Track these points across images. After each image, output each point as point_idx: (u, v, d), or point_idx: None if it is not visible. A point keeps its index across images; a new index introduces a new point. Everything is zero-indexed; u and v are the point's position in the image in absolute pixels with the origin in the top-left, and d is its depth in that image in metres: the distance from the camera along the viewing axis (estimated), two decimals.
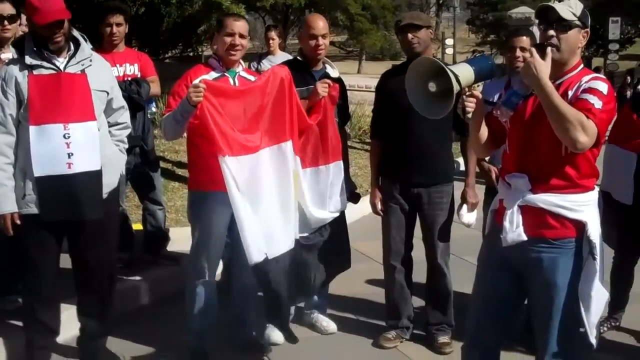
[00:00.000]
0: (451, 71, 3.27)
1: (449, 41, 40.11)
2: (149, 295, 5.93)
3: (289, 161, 4.55)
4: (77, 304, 4.58)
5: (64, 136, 4.05)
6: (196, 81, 4.34)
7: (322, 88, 4.80)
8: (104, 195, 4.30)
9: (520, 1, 38.67)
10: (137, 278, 6.02)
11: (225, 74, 4.72)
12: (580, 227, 3.42)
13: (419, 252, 5.23)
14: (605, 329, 5.47)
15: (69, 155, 4.07)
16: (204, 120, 4.18)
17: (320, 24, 5.04)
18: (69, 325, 4.73)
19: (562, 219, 3.42)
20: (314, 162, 4.84)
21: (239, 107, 4.39)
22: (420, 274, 5.30)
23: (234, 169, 4.21)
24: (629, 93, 17.58)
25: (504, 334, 3.79)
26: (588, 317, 3.47)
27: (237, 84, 4.73)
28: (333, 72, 5.18)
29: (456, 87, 3.28)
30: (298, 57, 5.26)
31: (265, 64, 9.09)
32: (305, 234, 4.75)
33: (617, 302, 5.49)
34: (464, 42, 57.53)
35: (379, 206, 5.18)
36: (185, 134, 4.66)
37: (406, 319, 5.26)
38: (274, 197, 4.48)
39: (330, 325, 5.41)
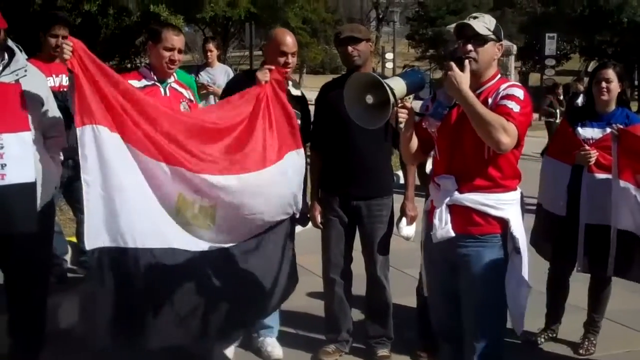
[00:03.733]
0: (387, 84, 3.40)
1: (389, 55, 40.52)
2: (83, 311, 5.79)
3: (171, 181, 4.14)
4: (8, 321, 4.43)
5: None
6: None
7: (262, 74, 4.65)
8: (38, 208, 4.19)
9: (459, 17, 39.30)
10: (71, 293, 5.89)
11: (156, 83, 4.67)
12: (503, 224, 3.68)
13: (358, 265, 5.22)
14: (542, 340, 5.54)
15: (2, 166, 3.96)
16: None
17: (290, 40, 4.91)
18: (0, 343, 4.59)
19: (486, 216, 3.67)
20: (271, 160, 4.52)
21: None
22: (359, 287, 5.29)
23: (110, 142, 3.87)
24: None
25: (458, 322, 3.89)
26: (515, 309, 3.76)
27: (168, 94, 4.69)
28: (295, 91, 5.10)
29: (392, 99, 3.39)
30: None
31: (204, 76, 9.07)
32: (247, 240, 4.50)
33: (554, 314, 5.57)
34: (404, 57, 58.01)
35: (319, 219, 5.15)
36: None
37: (345, 333, 5.24)
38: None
39: (275, 350, 5.22)
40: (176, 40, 4.60)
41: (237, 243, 4.47)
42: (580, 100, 17.54)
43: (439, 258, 3.87)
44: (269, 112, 4.59)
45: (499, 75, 3.80)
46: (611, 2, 42.65)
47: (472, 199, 3.66)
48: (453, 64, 3.52)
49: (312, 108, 5.17)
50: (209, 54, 9.30)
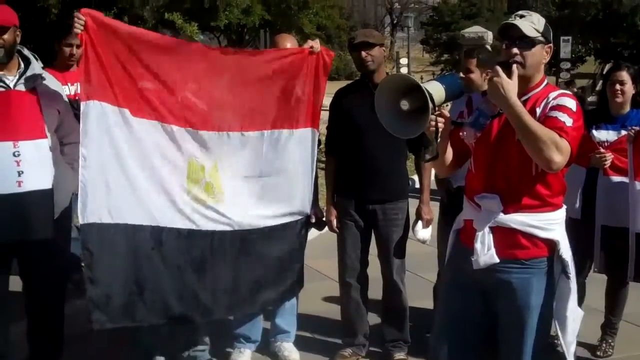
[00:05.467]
0: (426, 89, 3.09)
1: (404, 60, 40.36)
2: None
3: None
4: (27, 327, 4.46)
5: (14, 154, 3.99)
6: None
7: (313, 42, 4.73)
8: (56, 215, 4.23)
9: (473, 21, 39.24)
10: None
11: None
12: (552, 245, 3.38)
13: (374, 269, 5.23)
14: (559, 342, 5.51)
15: (19, 173, 4.01)
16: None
17: (287, 45, 4.96)
18: (20, 349, 4.60)
19: (534, 238, 3.35)
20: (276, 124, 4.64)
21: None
22: (375, 291, 5.29)
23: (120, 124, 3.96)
24: None
25: (474, 355, 3.66)
26: (565, 337, 3.47)
27: None
28: None
29: (431, 106, 3.09)
30: None
31: None
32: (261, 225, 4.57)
33: None
34: (419, 62, 58.03)
35: (335, 223, 5.16)
36: None
37: (362, 337, 5.24)
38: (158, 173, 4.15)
39: (292, 354, 5.24)
40: None
41: (242, 229, 4.48)
42: None
43: (469, 285, 3.51)
44: (307, 79, 4.68)
45: (546, 81, 3.44)
46: (625, 5, 42.53)
47: (519, 220, 3.32)
48: (499, 69, 3.17)
49: (327, 114, 5.17)
50: None
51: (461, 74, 4.92)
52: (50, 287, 4.38)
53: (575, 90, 19.16)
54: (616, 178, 5.03)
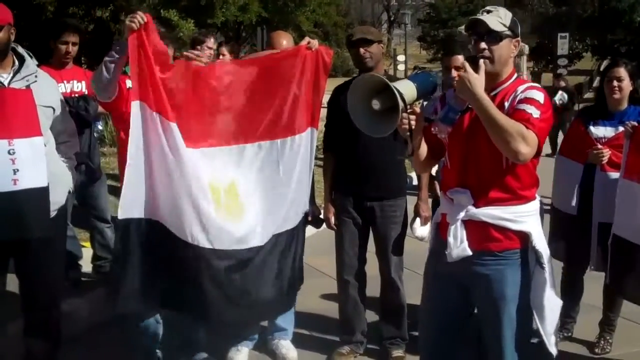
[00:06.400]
0: (395, 88, 3.14)
1: (401, 57, 40.38)
2: (97, 316, 5.80)
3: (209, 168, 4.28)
4: (24, 326, 4.43)
5: (9, 152, 3.95)
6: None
7: (310, 39, 4.67)
8: (52, 213, 4.21)
9: (470, 18, 39.28)
10: (86, 298, 5.90)
11: None
12: (524, 237, 3.42)
13: (372, 266, 5.22)
14: (557, 339, 5.50)
15: (15, 171, 3.97)
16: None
17: (283, 42, 4.96)
18: (15, 348, 4.60)
19: (505, 231, 3.41)
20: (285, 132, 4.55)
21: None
22: (373, 288, 5.28)
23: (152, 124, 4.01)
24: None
25: (459, 346, 3.73)
26: (544, 327, 3.49)
27: None
28: None
29: (401, 105, 3.14)
30: None
31: None
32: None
33: (569, 313, 5.53)
34: (416, 59, 58.09)
35: (333, 220, 5.15)
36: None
37: (360, 334, 5.24)
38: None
39: (289, 352, 5.22)
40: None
41: (254, 246, 4.38)
42: (558, 97, 17.58)
43: (448, 276, 3.58)
44: (306, 80, 4.60)
45: (516, 75, 3.49)
46: (623, 2, 42.59)
47: (490, 213, 3.39)
48: (466, 64, 3.25)
49: (324, 111, 5.16)
50: (221, 57, 9.31)
51: (454, 73, 4.91)
52: (46, 285, 4.35)
53: (563, 84, 19.04)
54: (614, 174, 5.00)
